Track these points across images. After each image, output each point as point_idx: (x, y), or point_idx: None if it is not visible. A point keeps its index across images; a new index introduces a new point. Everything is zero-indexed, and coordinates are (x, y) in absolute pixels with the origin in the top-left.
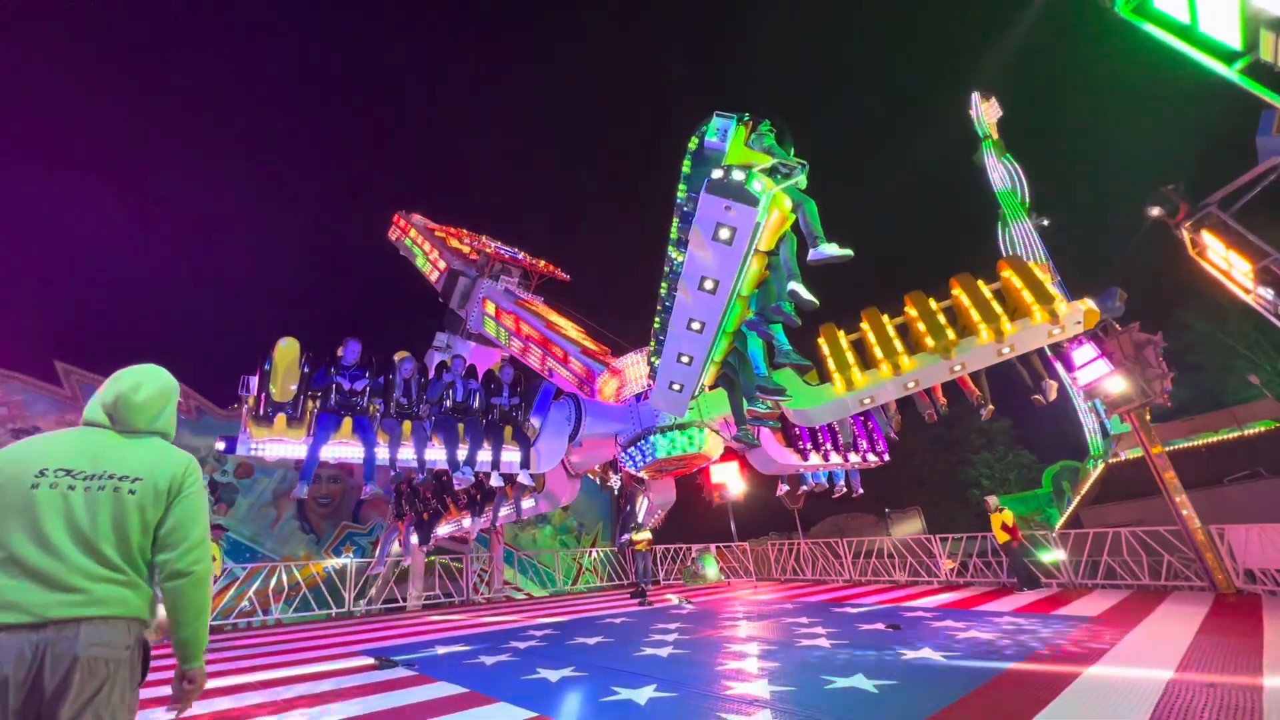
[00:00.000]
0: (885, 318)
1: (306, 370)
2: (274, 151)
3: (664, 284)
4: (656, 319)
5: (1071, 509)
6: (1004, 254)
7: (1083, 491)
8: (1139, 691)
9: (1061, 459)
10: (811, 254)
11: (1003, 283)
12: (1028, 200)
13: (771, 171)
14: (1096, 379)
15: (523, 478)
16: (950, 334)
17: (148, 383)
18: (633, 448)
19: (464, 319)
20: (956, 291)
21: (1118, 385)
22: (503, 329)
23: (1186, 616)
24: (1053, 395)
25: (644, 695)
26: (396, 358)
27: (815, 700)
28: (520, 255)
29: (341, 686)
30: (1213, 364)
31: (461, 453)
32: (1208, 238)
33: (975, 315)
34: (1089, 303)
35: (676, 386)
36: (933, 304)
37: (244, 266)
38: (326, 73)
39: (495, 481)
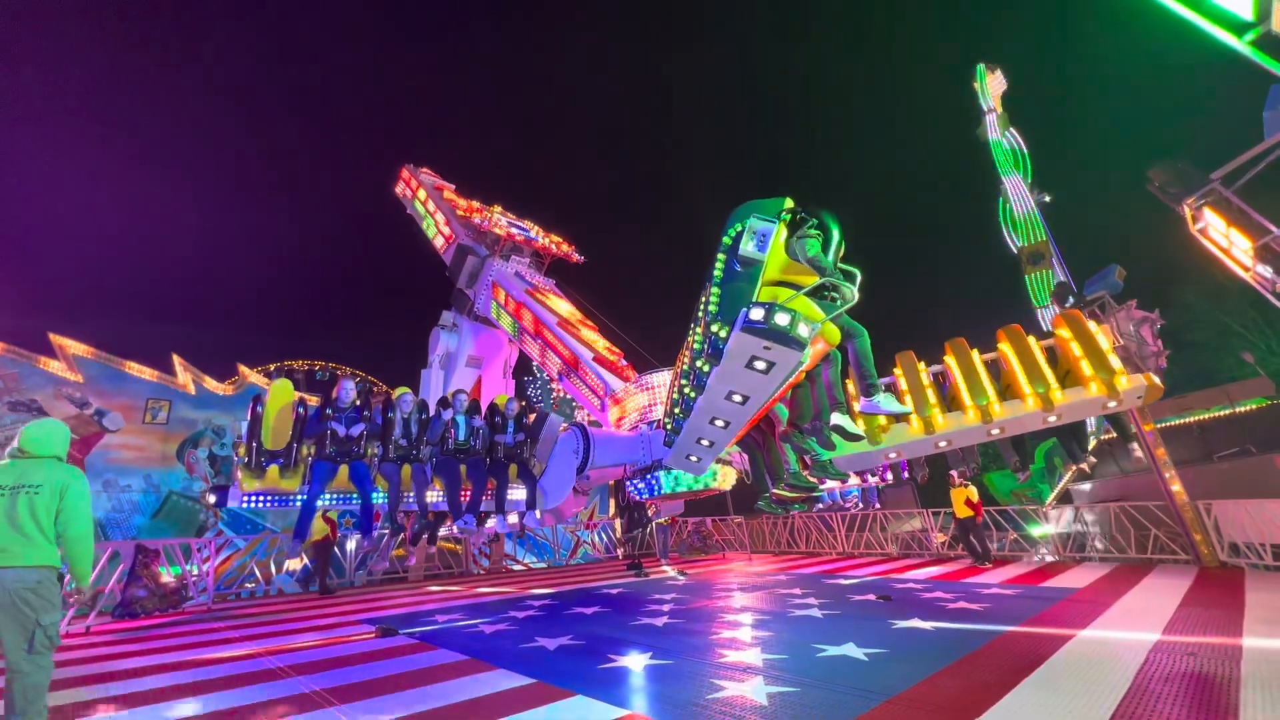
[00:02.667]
0: (922, 366)
1: (301, 411)
2: (276, 116)
3: (684, 381)
4: (676, 393)
5: (1062, 484)
6: (1004, 231)
7: (1074, 467)
8: (1122, 657)
9: (1054, 435)
10: (862, 404)
11: (1056, 341)
12: (1030, 175)
13: (818, 292)
14: None
15: (528, 520)
16: (993, 395)
17: (38, 430)
18: (640, 479)
19: (471, 299)
20: (1003, 346)
21: (1114, 364)
22: (512, 320)
23: (1171, 588)
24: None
25: (640, 662)
26: (394, 395)
27: (806, 668)
28: (533, 234)
29: (344, 654)
30: (1209, 342)
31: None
32: (1209, 215)
33: (1023, 378)
34: (1154, 378)
35: (694, 458)
36: (975, 357)
37: (244, 239)
38: (333, 33)
39: (499, 528)
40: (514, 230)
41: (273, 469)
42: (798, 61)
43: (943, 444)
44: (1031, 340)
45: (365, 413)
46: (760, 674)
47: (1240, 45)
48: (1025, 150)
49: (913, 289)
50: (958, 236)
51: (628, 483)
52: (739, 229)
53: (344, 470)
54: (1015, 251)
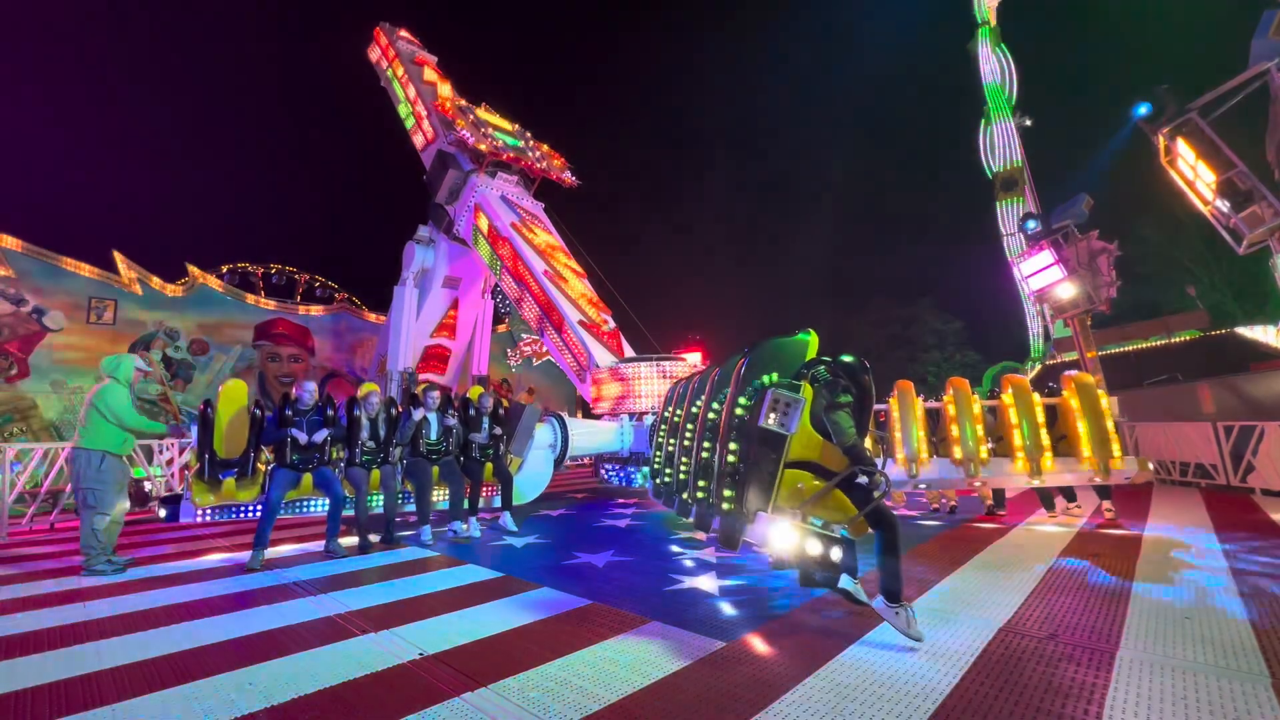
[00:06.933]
0: (919, 402)
1: (257, 414)
2: None
3: (683, 457)
4: (662, 446)
5: None
6: (981, 154)
7: None
8: (1050, 543)
9: (1005, 360)
10: (880, 605)
11: (1060, 403)
12: (1014, 97)
13: (849, 480)
14: (1049, 285)
15: (504, 520)
16: (984, 453)
17: (107, 360)
18: (616, 467)
19: (450, 216)
20: (1006, 398)
21: (1067, 291)
22: (494, 255)
23: (1091, 495)
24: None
25: (603, 559)
26: (360, 393)
27: (758, 564)
28: (522, 145)
29: (317, 549)
30: (1159, 275)
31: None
32: (1181, 146)
33: (1018, 439)
34: (1147, 463)
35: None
36: (975, 404)
37: (191, 129)
38: None
39: (473, 532)
40: (500, 146)
41: (229, 481)
42: None
43: (922, 486)
44: (1035, 398)
45: (329, 412)
46: (714, 569)
47: None
48: (1014, 75)
49: (888, 214)
50: (935, 160)
51: (601, 466)
52: (762, 386)
53: (307, 478)
54: (990, 177)
